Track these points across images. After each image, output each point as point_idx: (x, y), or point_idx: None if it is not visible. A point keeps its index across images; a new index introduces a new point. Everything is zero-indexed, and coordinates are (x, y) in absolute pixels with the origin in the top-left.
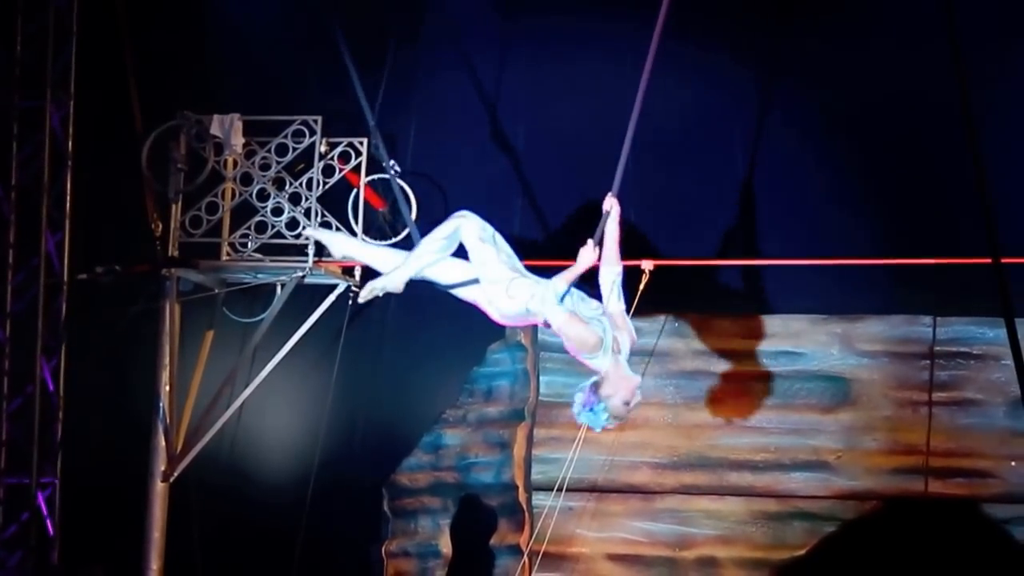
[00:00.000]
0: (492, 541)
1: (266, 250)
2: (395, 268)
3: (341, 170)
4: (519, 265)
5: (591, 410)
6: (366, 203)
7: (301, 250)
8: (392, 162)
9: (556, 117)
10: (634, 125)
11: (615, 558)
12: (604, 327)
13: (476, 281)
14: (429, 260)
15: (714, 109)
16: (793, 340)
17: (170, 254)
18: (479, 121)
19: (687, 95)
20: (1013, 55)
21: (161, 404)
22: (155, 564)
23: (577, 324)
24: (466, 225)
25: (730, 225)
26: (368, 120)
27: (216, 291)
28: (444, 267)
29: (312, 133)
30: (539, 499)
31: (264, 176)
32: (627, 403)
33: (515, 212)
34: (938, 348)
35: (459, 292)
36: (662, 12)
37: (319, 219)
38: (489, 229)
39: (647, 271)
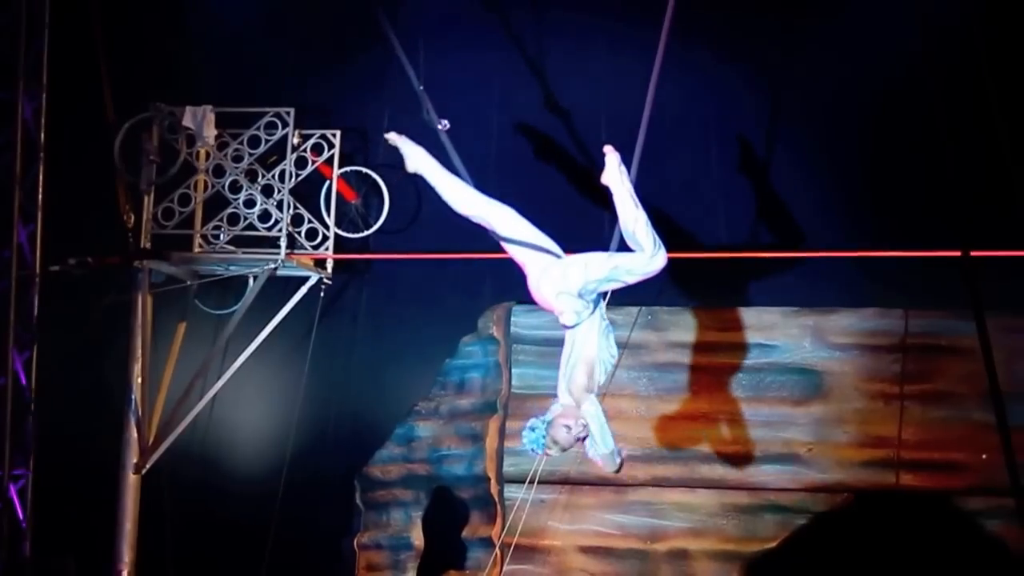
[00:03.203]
0: (464, 533)
1: (238, 242)
2: (423, 154)
3: (314, 162)
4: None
5: (531, 428)
6: (339, 195)
7: (273, 242)
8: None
9: (537, 110)
10: (646, 123)
11: (587, 550)
12: (606, 372)
13: (536, 248)
14: (449, 191)
15: (689, 106)
16: (765, 333)
17: (142, 246)
18: (456, 112)
19: (665, 93)
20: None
21: (133, 396)
22: (127, 556)
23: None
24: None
25: (704, 219)
26: (416, 85)
27: (188, 283)
28: (509, 221)
29: (284, 125)
30: (511, 491)
31: (236, 168)
32: (569, 428)
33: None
34: (909, 341)
35: (512, 248)
36: (668, 12)
37: (291, 211)
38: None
39: None
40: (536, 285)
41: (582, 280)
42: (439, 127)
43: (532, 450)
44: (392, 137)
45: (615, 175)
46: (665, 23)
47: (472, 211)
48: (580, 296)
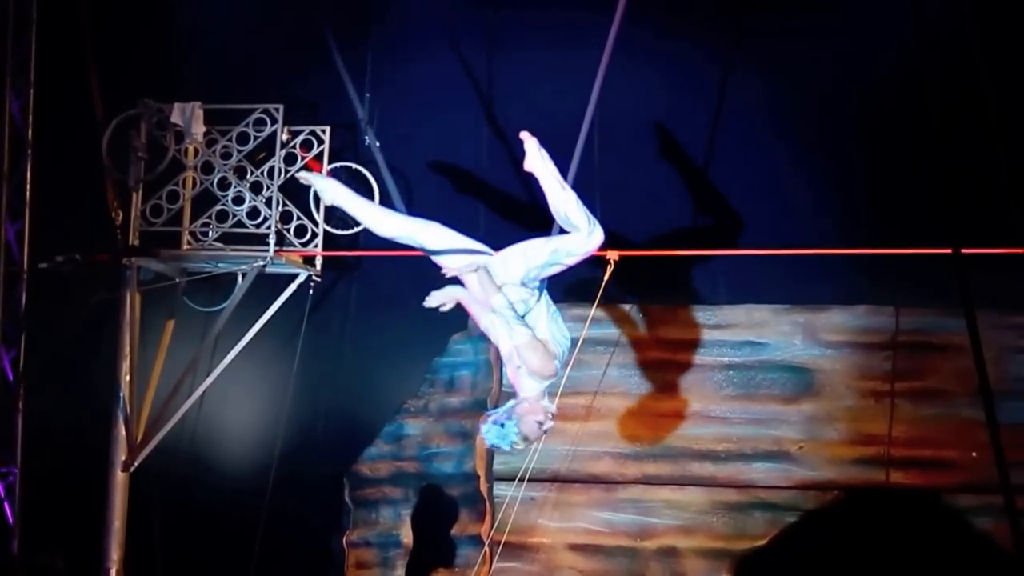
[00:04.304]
0: (453, 531)
1: (227, 239)
2: (337, 186)
3: (303, 158)
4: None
5: (501, 424)
6: None
7: (262, 239)
8: (377, 143)
9: (519, 106)
10: (591, 114)
11: (576, 548)
12: (563, 353)
13: (467, 253)
14: (368, 217)
15: (678, 98)
16: (756, 330)
17: (131, 243)
18: (440, 111)
19: (650, 85)
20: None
21: (121, 393)
22: (115, 554)
23: (539, 349)
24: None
25: (694, 215)
26: (356, 103)
27: (177, 280)
28: (436, 234)
29: (273, 121)
30: (500, 489)
31: (225, 165)
32: (540, 423)
33: (478, 203)
34: (900, 338)
35: (444, 260)
36: (621, 2)
37: (280, 208)
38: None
39: (611, 261)
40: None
41: (523, 269)
42: (367, 141)
43: (495, 446)
44: (303, 175)
45: (537, 160)
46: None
47: (396, 232)
48: (524, 285)
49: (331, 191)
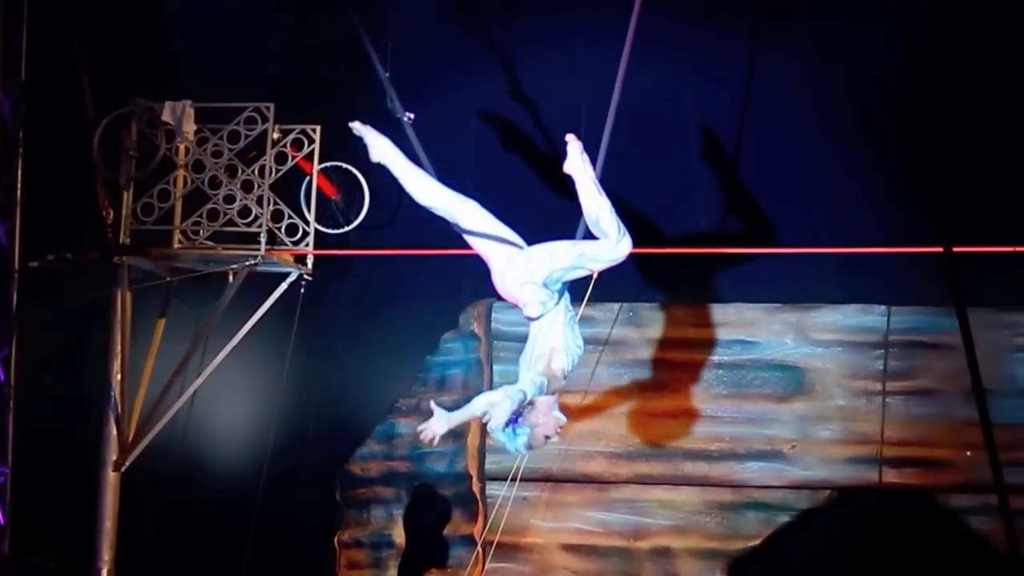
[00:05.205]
0: (446, 531)
1: (218, 238)
2: (388, 145)
3: (294, 157)
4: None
5: (513, 432)
6: (319, 190)
7: (253, 238)
8: (409, 115)
9: (509, 103)
10: (613, 111)
11: (569, 548)
12: (573, 363)
13: (499, 240)
14: (412, 182)
15: (671, 100)
16: (747, 329)
17: (121, 242)
18: (439, 107)
19: (644, 86)
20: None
21: (112, 393)
22: (107, 553)
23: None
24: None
25: (685, 214)
26: (380, 73)
27: (168, 279)
28: (472, 213)
29: (264, 120)
30: (493, 489)
31: (216, 163)
32: (548, 438)
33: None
34: (892, 337)
35: (475, 241)
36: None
37: (271, 207)
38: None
39: None
40: (500, 277)
41: (547, 269)
42: (404, 118)
43: (499, 441)
44: (357, 127)
45: (577, 163)
46: (635, 13)
47: (435, 203)
48: (545, 286)
49: (380, 148)
